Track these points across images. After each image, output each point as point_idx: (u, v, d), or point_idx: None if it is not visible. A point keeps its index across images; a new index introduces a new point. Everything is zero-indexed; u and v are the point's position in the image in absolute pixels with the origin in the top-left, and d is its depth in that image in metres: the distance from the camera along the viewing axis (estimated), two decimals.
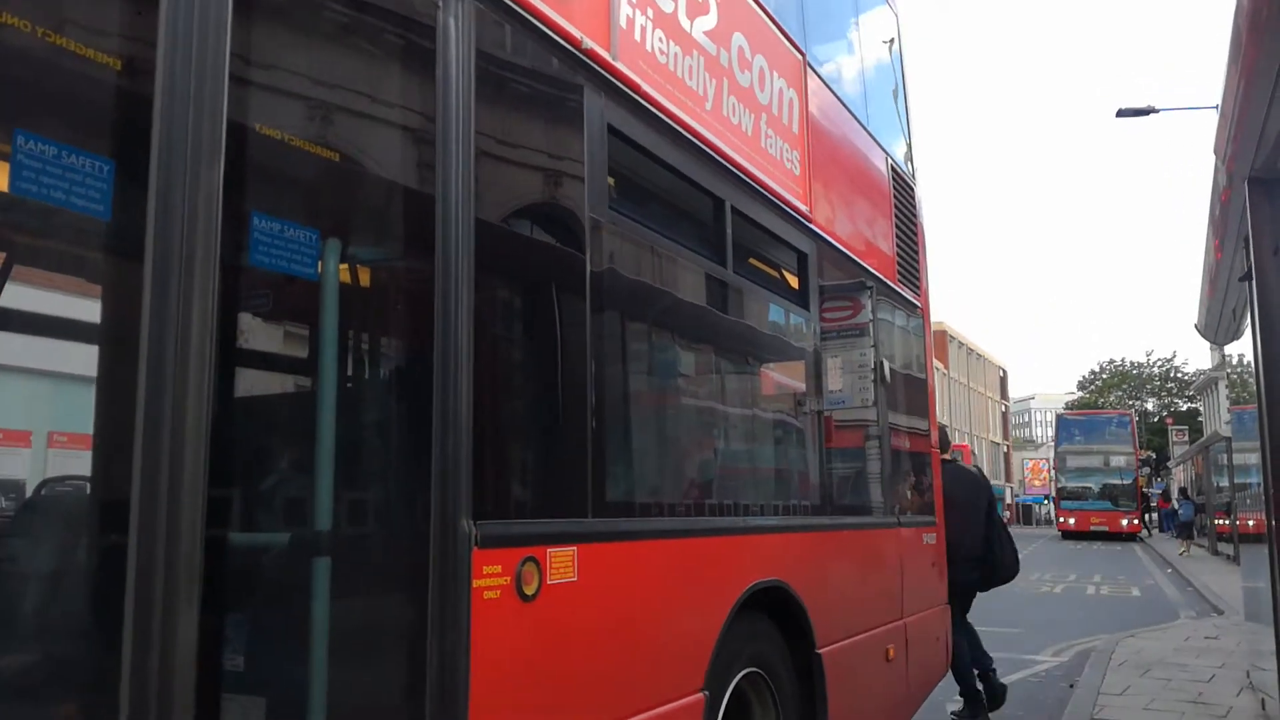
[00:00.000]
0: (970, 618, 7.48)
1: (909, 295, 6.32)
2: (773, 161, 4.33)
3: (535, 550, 2.52)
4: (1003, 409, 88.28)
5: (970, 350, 76.30)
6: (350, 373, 2.38)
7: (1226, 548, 24.47)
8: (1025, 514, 71.74)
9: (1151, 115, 24.21)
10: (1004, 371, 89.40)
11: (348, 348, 2.32)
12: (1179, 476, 43.10)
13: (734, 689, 3.62)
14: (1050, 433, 60.37)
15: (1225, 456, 24.74)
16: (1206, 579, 19.34)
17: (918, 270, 6.63)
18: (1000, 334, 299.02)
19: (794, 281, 4.68)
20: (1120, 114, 24.29)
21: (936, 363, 62.95)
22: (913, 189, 6.72)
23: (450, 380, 2.31)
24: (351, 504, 2.26)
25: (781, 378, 4.59)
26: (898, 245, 6.21)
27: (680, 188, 3.69)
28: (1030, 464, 75.73)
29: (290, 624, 2.17)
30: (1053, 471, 47.88)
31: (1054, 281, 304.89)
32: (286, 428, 2.29)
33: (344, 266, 2.25)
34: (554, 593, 2.58)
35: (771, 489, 4.32)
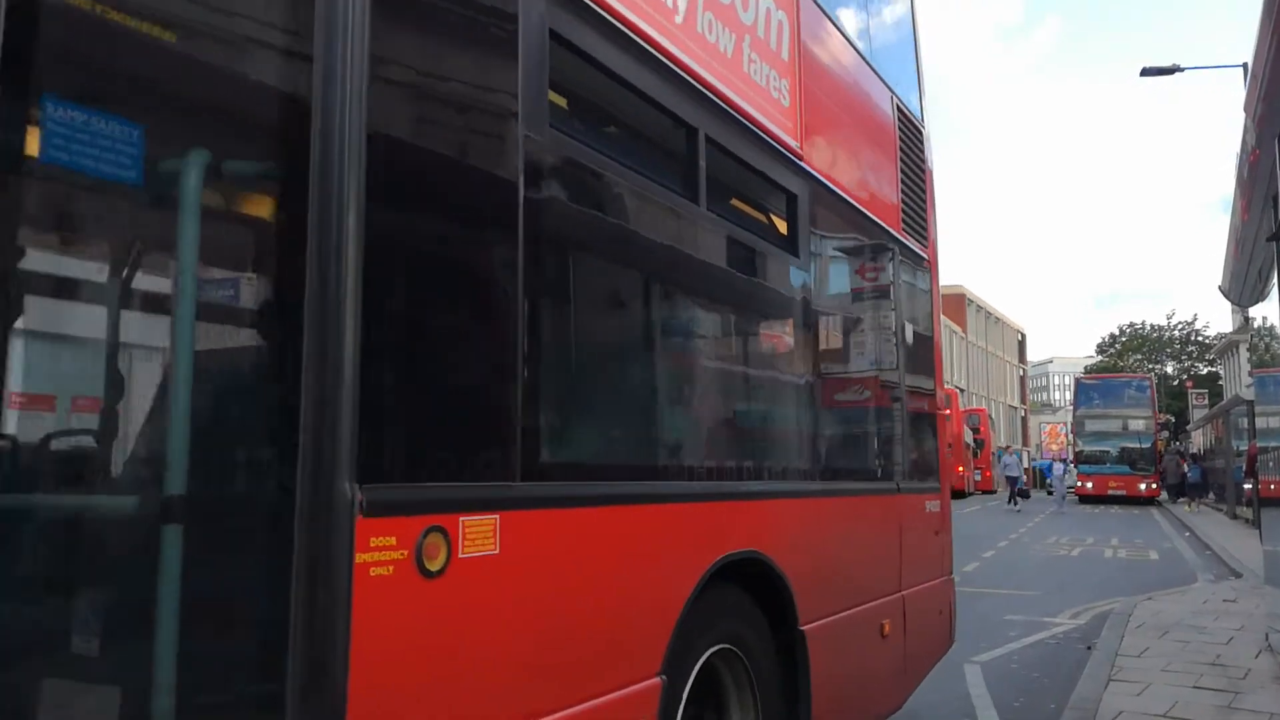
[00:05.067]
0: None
1: (915, 246, 5.82)
2: (757, 89, 3.85)
3: (443, 519, 2.10)
4: (1020, 372, 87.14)
5: (988, 313, 75.23)
6: (205, 306, 1.94)
7: (1245, 511, 24.06)
8: (1041, 478, 71.05)
9: (1176, 74, 23.50)
10: (1022, 334, 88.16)
11: (198, 277, 1.89)
12: (1196, 440, 42.42)
13: (704, 668, 3.23)
14: (1068, 396, 59.53)
15: (1246, 420, 24.29)
16: (1225, 542, 18.93)
17: (925, 220, 6.13)
18: (1019, 296, 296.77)
19: (782, 225, 4.20)
20: (1144, 73, 23.50)
21: (954, 326, 61.72)
22: (921, 132, 6.18)
23: (329, 314, 1.88)
24: (206, 463, 1.86)
25: (763, 328, 4.11)
26: (903, 192, 5.70)
27: (641, 110, 3.21)
28: (1048, 428, 74.74)
29: (131, 604, 1.79)
30: (1070, 435, 47.11)
31: (1075, 244, 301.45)
32: (128, 370, 1.88)
33: (186, 179, 1.83)
34: (466, 568, 2.16)
35: (750, 451, 3.86)
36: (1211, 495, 33.13)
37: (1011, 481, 35.13)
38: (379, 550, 1.94)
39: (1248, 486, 23.37)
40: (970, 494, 39.22)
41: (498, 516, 2.26)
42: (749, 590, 3.52)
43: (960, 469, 39.50)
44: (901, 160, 5.72)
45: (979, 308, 72.12)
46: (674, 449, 3.32)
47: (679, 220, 3.35)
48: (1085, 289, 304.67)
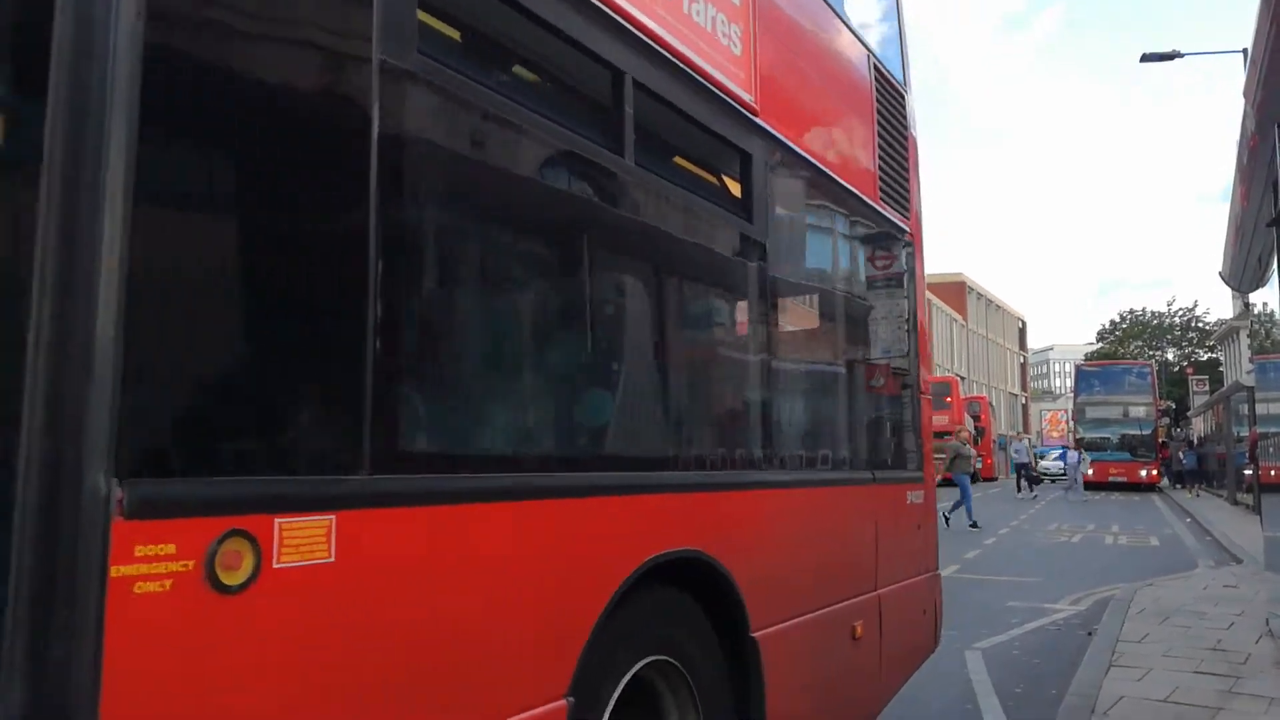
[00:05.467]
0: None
1: (895, 218, 5.34)
2: (701, 33, 3.38)
3: (249, 520, 1.65)
4: (1021, 360, 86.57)
5: (989, 301, 74.66)
6: None
7: (1246, 497, 23.73)
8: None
9: (1176, 60, 23.03)
10: (1023, 322, 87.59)
11: None
12: (1197, 426, 42.01)
13: (635, 683, 2.79)
14: (1069, 384, 59.03)
15: (1246, 406, 23.92)
16: (1225, 528, 18.59)
17: (907, 190, 5.63)
18: (1020, 284, 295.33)
19: (735, 188, 3.72)
20: (1144, 59, 23.11)
21: (954, 313, 61.36)
22: (903, 96, 5.67)
23: (74, 258, 1.44)
24: None
25: (706, 297, 3.61)
26: (881, 160, 5.22)
27: (553, 47, 2.73)
28: (1048, 415, 74.16)
29: None
30: (1071, 422, 46.65)
31: (1076, 231, 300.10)
32: None
33: None
34: (285, 581, 1.70)
35: (688, 438, 3.36)
36: (1213, 483, 32.80)
37: (1021, 468, 34.42)
38: (149, 561, 1.50)
39: (1248, 473, 23.05)
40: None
41: (334, 517, 1.80)
42: (691, 594, 3.07)
43: None
44: (880, 125, 5.23)
45: (979, 295, 71.59)
46: (586, 435, 2.85)
47: (596, 173, 2.86)
48: (1086, 276, 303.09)
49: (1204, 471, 35.01)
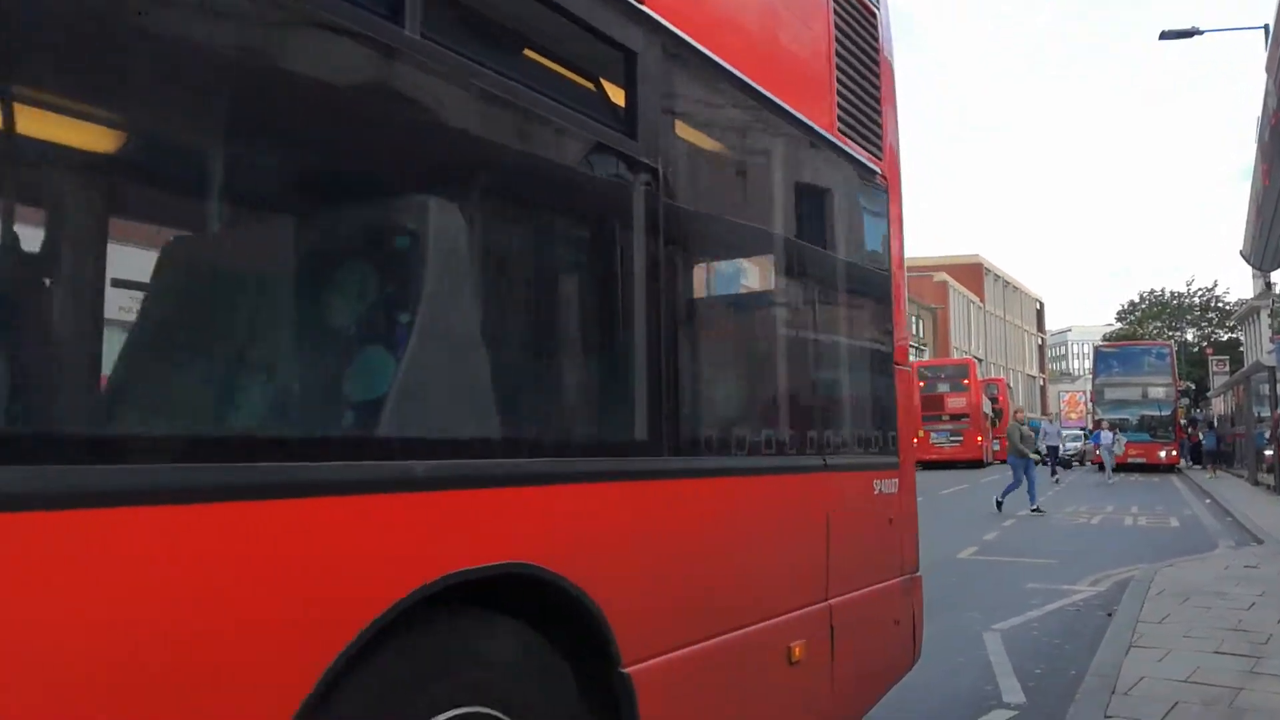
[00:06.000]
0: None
1: (859, 154, 4.47)
2: None
3: None
4: (1039, 341, 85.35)
5: (1006, 283, 73.47)
6: None
7: (1267, 478, 22.96)
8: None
9: (1196, 37, 22.20)
10: (1040, 303, 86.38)
11: None
12: (1218, 407, 41.04)
13: None
14: (1087, 365, 57.97)
15: (1267, 386, 23.28)
16: (1245, 509, 18.06)
17: (879, 123, 4.76)
18: (1038, 265, 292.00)
19: (615, 95, 2.87)
20: (1164, 36, 22.34)
21: (971, 295, 61.09)
22: (874, 14, 4.75)
23: None
24: None
25: (542, 218, 2.74)
26: (841, 85, 4.35)
27: None
28: (1067, 396, 72.77)
29: None
30: (1089, 404, 45.70)
31: (1095, 213, 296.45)
32: None
33: None
34: None
35: (521, 413, 2.49)
36: (1232, 463, 32.03)
37: (1051, 451, 32.62)
38: None
39: (1269, 453, 22.31)
40: (989, 464, 37.95)
41: None
42: (528, 621, 2.27)
43: (979, 439, 38.21)
44: (840, 44, 4.35)
45: (997, 276, 70.55)
46: (355, 408, 2.04)
47: (348, 44, 2.00)
48: (1104, 257, 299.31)
49: (1223, 452, 34.14)
